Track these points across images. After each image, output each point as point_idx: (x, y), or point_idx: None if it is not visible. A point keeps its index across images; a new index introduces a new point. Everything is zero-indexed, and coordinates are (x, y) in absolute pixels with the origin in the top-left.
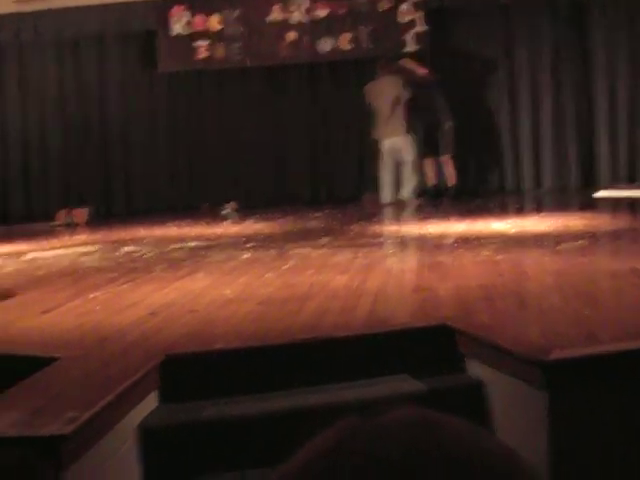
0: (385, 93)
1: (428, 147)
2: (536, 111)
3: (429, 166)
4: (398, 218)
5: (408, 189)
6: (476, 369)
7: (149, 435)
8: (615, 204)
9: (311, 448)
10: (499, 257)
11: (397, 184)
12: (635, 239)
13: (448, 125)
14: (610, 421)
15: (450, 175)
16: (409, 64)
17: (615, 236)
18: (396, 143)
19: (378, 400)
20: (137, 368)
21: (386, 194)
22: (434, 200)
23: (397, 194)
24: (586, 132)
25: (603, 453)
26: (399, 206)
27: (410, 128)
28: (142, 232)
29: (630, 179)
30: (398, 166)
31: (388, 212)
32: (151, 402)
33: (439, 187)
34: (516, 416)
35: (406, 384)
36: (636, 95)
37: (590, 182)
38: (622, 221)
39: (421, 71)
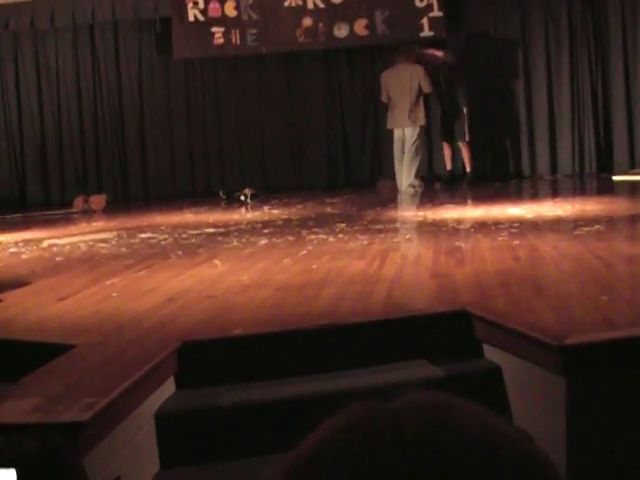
0: (404, 82)
1: (445, 133)
2: (552, 96)
3: (446, 151)
4: (414, 204)
5: (408, 181)
6: (493, 354)
7: (166, 421)
8: (632, 188)
9: (325, 429)
10: (516, 242)
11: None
12: None
13: (465, 110)
14: (627, 406)
15: (467, 161)
16: (428, 50)
17: (632, 221)
18: (404, 133)
19: (396, 385)
20: (154, 354)
21: (399, 182)
22: (450, 185)
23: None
24: (603, 117)
25: (620, 438)
26: (415, 193)
27: (425, 117)
28: (159, 219)
29: None
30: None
31: (404, 198)
32: (168, 388)
33: (455, 173)
34: (533, 401)
35: (424, 369)
36: None
37: (607, 168)
38: (639, 205)
39: (441, 55)
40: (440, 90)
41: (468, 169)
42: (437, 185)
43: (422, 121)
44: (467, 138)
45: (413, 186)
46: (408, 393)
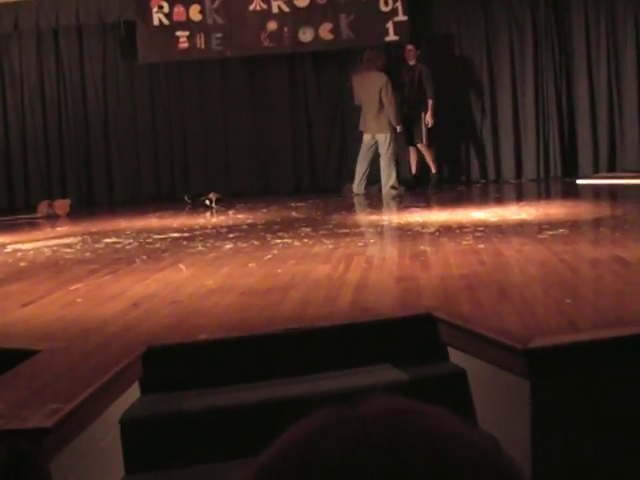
0: (369, 89)
1: (408, 136)
2: (517, 100)
3: (412, 156)
4: (379, 208)
5: (390, 184)
6: (458, 358)
7: (131, 426)
8: (596, 192)
9: (291, 436)
10: (480, 246)
11: (370, 177)
12: (616, 227)
13: (426, 115)
14: (591, 408)
15: (431, 163)
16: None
17: (596, 224)
18: (375, 139)
19: (361, 389)
20: (119, 360)
21: (355, 184)
22: (414, 189)
23: (367, 188)
24: (568, 121)
25: (585, 440)
26: (379, 196)
27: (397, 123)
28: (123, 223)
29: (610, 168)
30: (375, 159)
31: (369, 202)
32: (133, 393)
33: (419, 176)
34: (498, 404)
35: (389, 373)
36: (616, 83)
37: (571, 172)
38: (603, 209)
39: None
40: (402, 93)
41: (433, 170)
42: (401, 189)
43: (391, 127)
44: (425, 141)
45: (394, 188)
46: (375, 397)
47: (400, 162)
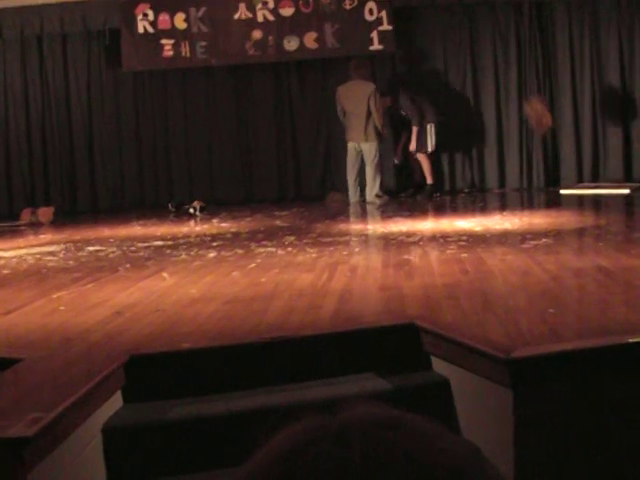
0: (357, 98)
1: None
2: (501, 110)
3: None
4: (364, 217)
5: (374, 191)
6: (442, 367)
7: (114, 435)
8: (579, 202)
9: (267, 454)
10: (464, 255)
11: (362, 184)
12: (599, 237)
13: (431, 125)
14: (574, 417)
15: (427, 173)
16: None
17: (579, 234)
18: (361, 147)
19: (345, 398)
20: (101, 368)
21: (351, 194)
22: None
23: (362, 195)
24: (550, 131)
25: (567, 449)
26: (365, 205)
27: (384, 132)
28: (107, 231)
29: (593, 178)
30: (363, 167)
31: (354, 211)
32: (116, 402)
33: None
34: (482, 413)
35: (372, 382)
36: (599, 95)
37: (554, 181)
38: (586, 219)
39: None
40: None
41: (429, 181)
42: (385, 198)
43: (378, 135)
44: (429, 149)
45: (378, 196)
46: (355, 405)
47: (387, 170)
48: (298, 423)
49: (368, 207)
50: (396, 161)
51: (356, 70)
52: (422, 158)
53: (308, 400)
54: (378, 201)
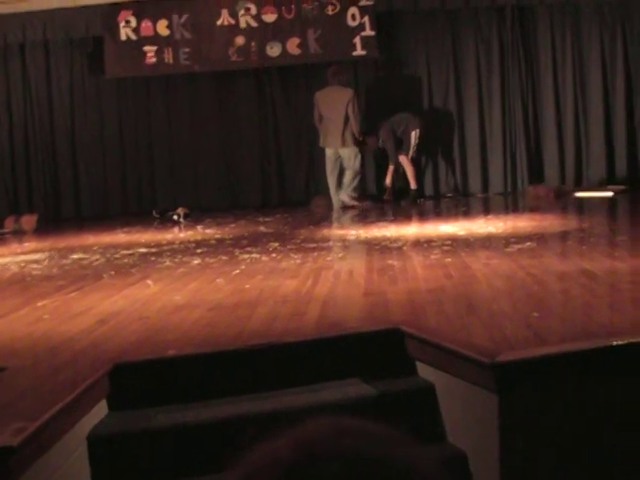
0: (335, 104)
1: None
2: (484, 114)
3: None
4: (347, 222)
5: (348, 191)
6: (427, 372)
7: (99, 444)
8: (563, 206)
9: (249, 465)
10: (448, 260)
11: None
12: (583, 240)
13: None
14: (559, 421)
15: (411, 178)
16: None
17: (563, 237)
18: (341, 153)
19: (330, 404)
20: (86, 377)
21: (334, 199)
22: (386, 202)
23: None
24: (534, 134)
25: (553, 454)
26: (348, 210)
27: (361, 138)
28: (91, 239)
29: (577, 181)
30: (342, 172)
31: (337, 216)
32: (101, 411)
33: (395, 189)
34: (467, 418)
35: (357, 388)
36: (582, 98)
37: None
38: (570, 222)
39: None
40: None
41: (413, 186)
42: (366, 203)
43: (356, 140)
44: (410, 155)
45: (352, 197)
46: (318, 417)
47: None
48: (271, 441)
49: (351, 212)
50: (386, 197)
51: (335, 76)
52: (406, 163)
53: (293, 406)
54: (348, 200)
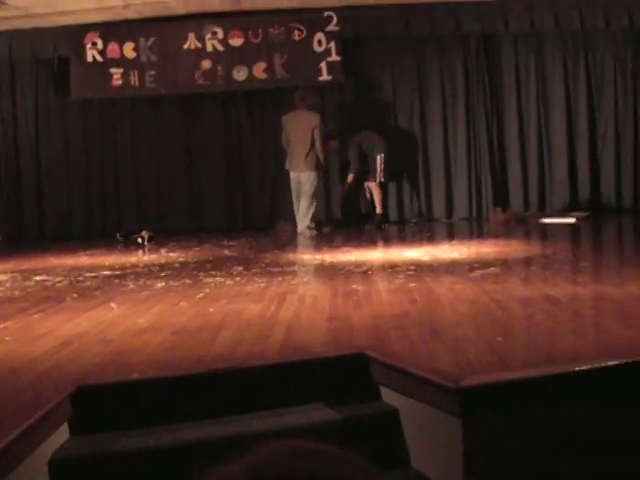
0: (301, 128)
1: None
2: (448, 140)
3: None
4: (312, 246)
5: (305, 223)
6: (391, 397)
7: (60, 468)
8: (527, 231)
9: None
10: (412, 285)
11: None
12: (546, 265)
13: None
14: (522, 445)
15: (378, 202)
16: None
17: (527, 263)
18: (300, 177)
19: (294, 429)
20: (47, 400)
21: (300, 224)
22: (354, 225)
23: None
24: (499, 160)
25: (516, 477)
26: (312, 235)
27: (325, 163)
28: (54, 261)
29: (540, 207)
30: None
31: (302, 240)
32: (62, 434)
33: (364, 213)
34: (431, 443)
35: (321, 413)
36: (545, 124)
37: (503, 210)
38: (533, 248)
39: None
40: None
41: (378, 210)
42: (326, 229)
43: (320, 165)
44: (377, 180)
45: (309, 228)
46: (271, 441)
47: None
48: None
49: (315, 237)
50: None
51: (302, 100)
52: (374, 187)
53: (257, 431)
54: (308, 233)
